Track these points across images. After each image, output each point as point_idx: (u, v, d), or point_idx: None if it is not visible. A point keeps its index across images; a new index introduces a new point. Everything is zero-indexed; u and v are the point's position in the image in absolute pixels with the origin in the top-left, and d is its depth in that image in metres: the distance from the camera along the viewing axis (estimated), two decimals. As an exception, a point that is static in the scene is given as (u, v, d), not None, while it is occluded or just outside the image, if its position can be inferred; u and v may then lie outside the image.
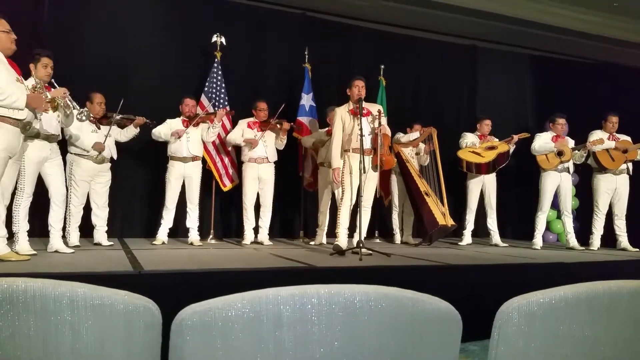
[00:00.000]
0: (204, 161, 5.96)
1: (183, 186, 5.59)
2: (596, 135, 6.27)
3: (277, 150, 6.03)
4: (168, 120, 5.62)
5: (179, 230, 5.99)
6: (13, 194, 3.97)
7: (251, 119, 5.97)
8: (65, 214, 4.59)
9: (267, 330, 0.95)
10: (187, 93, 5.88)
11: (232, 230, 6.81)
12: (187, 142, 5.54)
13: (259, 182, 5.88)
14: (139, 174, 6.38)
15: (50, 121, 4.20)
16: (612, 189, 6.22)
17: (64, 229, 4.59)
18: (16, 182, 3.96)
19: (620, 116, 6.34)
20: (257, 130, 5.89)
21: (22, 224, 4.05)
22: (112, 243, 5.22)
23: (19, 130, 3.57)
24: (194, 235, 5.64)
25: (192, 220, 5.64)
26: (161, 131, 5.53)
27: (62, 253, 4.25)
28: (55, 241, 4.33)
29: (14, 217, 4.03)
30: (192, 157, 5.57)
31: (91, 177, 5.10)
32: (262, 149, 5.87)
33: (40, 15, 6.05)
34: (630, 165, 6.25)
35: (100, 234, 5.21)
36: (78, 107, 4.34)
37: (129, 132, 5.44)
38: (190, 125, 5.59)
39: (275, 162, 6.00)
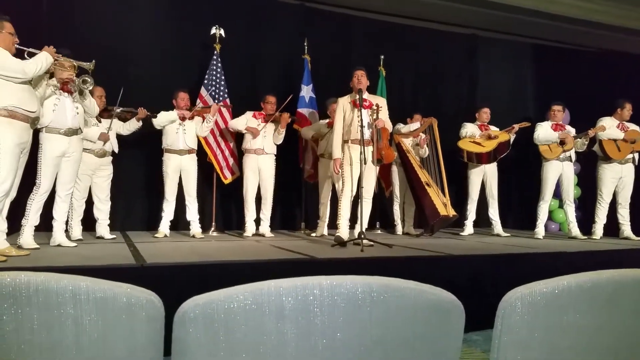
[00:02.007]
0: (204, 154, 5.98)
1: (181, 178, 5.59)
2: (605, 122, 6.22)
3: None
4: (163, 113, 5.60)
5: (180, 223, 6.01)
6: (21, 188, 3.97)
7: (257, 111, 5.98)
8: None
9: (269, 321, 0.96)
10: (187, 86, 5.86)
11: (234, 222, 6.82)
12: (183, 134, 5.55)
13: (259, 173, 5.88)
14: (140, 167, 6.39)
15: (65, 114, 4.20)
16: (617, 178, 6.19)
17: (66, 222, 4.59)
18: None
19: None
20: (262, 121, 5.89)
21: (31, 218, 4.06)
22: (114, 236, 5.24)
23: (28, 125, 3.62)
24: (195, 228, 5.64)
25: (192, 213, 5.64)
26: (164, 118, 5.54)
27: (64, 247, 4.25)
28: (58, 235, 4.33)
29: (26, 210, 4.05)
30: (188, 150, 5.58)
31: (93, 170, 5.10)
32: (260, 141, 5.87)
33: (38, 10, 6.04)
34: (636, 155, 6.21)
35: (103, 228, 5.23)
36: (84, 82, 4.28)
37: (132, 126, 5.44)
38: (186, 118, 5.60)
39: (275, 155, 5.99)
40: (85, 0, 6.25)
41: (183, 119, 5.58)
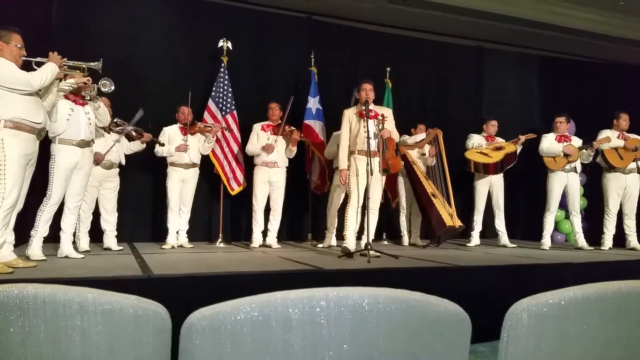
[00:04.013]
0: (211, 165, 6.02)
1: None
2: (605, 134, 6.24)
3: (287, 155, 6.06)
4: (165, 129, 5.69)
5: (188, 234, 6.00)
6: (28, 200, 3.98)
7: (265, 122, 6.02)
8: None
9: (276, 333, 0.96)
10: (195, 98, 5.89)
11: (241, 233, 6.82)
12: (187, 149, 5.62)
13: (270, 185, 5.91)
14: (147, 179, 6.41)
15: (78, 125, 4.22)
16: (622, 188, 6.18)
17: (73, 234, 4.60)
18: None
19: (628, 115, 6.31)
20: (271, 133, 5.92)
21: (40, 229, 4.06)
22: (121, 248, 5.25)
23: (34, 137, 3.62)
24: (182, 238, 5.72)
25: (182, 223, 5.73)
26: (164, 150, 5.62)
27: (72, 258, 4.26)
28: (66, 246, 4.33)
29: (35, 221, 4.06)
30: (192, 164, 5.66)
31: (99, 182, 5.12)
32: (273, 155, 5.90)
33: (48, 22, 6.12)
34: None
35: (110, 239, 5.24)
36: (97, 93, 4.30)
37: (134, 146, 5.50)
38: (188, 133, 5.67)
39: (286, 167, 6.02)
40: (94, 13, 6.30)
41: (185, 133, 5.64)
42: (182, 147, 5.57)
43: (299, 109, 6.72)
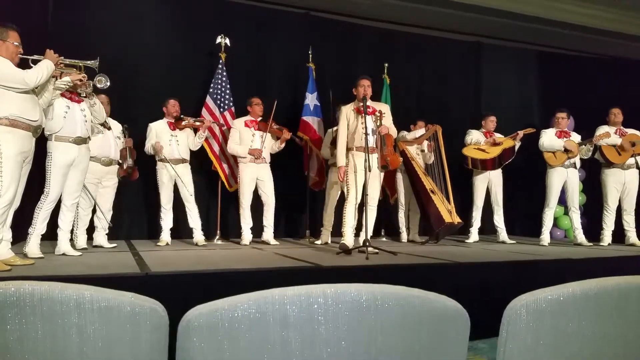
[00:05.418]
0: (209, 162, 6.01)
1: (177, 186, 5.64)
2: (603, 129, 6.23)
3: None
4: (151, 125, 5.64)
5: (182, 231, 6.01)
6: (25, 197, 3.97)
7: (247, 118, 5.96)
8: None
9: (274, 330, 0.95)
10: (193, 94, 5.89)
11: (239, 230, 6.80)
12: (176, 145, 5.60)
13: (258, 182, 5.88)
14: (144, 176, 6.37)
15: (75, 122, 4.21)
16: (620, 184, 6.18)
17: (71, 231, 4.59)
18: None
19: (627, 110, 6.31)
20: (255, 129, 5.88)
21: (38, 227, 4.06)
22: (115, 245, 5.22)
23: (30, 134, 3.61)
24: (198, 236, 5.64)
25: (194, 220, 5.65)
26: (150, 148, 5.62)
27: (69, 256, 4.25)
28: (63, 244, 4.32)
29: (33, 218, 4.05)
30: (181, 160, 5.62)
31: (98, 179, 5.10)
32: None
33: (44, 17, 6.10)
34: (639, 159, 6.19)
35: (101, 237, 5.22)
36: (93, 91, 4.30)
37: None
38: (177, 128, 5.65)
39: (270, 163, 5.99)
40: (91, 10, 6.28)
41: (174, 128, 5.62)
42: (157, 146, 5.49)
43: (296, 105, 6.70)
